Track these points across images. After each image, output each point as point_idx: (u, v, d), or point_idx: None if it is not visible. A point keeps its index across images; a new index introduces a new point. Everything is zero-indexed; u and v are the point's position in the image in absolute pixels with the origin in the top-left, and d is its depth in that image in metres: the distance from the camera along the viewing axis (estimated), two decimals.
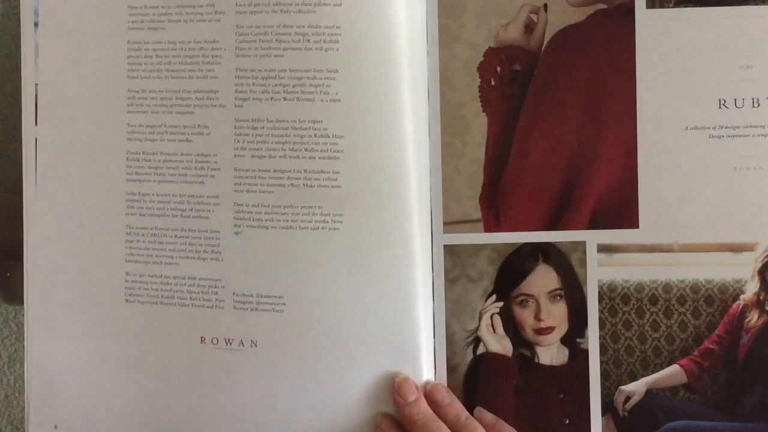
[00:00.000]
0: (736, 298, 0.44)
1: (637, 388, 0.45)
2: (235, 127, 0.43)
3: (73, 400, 0.44)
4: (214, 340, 0.44)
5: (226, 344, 0.44)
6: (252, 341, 0.43)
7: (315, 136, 0.42)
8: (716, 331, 0.45)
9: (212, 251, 0.43)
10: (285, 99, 0.42)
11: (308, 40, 0.41)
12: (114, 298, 0.44)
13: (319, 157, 0.42)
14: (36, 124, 0.45)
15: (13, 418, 0.49)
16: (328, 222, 0.42)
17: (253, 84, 0.42)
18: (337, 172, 0.42)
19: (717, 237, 0.44)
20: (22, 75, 0.44)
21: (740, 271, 0.44)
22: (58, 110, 0.44)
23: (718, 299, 0.45)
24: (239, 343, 0.43)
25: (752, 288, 0.44)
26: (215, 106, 0.43)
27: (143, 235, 0.44)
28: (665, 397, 0.45)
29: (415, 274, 0.43)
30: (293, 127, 0.42)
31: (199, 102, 0.43)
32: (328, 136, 0.42)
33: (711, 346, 0.45)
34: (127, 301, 0.44)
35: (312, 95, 0.42)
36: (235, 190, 0.43)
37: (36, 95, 0.45)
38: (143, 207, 0.44)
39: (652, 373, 0.45)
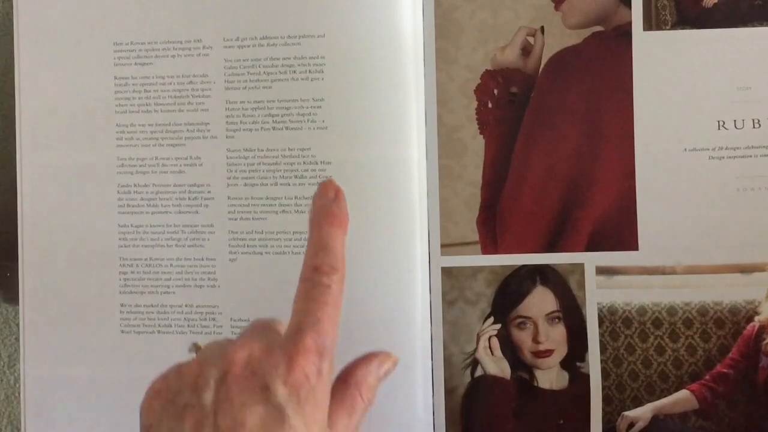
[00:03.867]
0: (750, 319, 0.44)
1: (642, 413, 0.44)
2: (227, 158, 0.44)
3: (69, 423, 0.45)
4: None
5: None
6: None
7: (304, 163, 0.43)
8: (730, 355, 0.44)
9: (209, 278, 0.44)
10: (274, 128, 0.43)
11: (294, 71, 0.43)
12: (109, 329, 0.45)
13: (309, 183, 0.43)
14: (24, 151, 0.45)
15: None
16: None
17: (243, 115, 0.44)
18: None
19: (724, 258, 0.44)
20: (16, 94, 0.45)
21: (752, 292, 0.43)
22: (46, 143, 0.45)
23: (729, 321, 0.44)
24: None
25: (767, 309, 0.43)
26: (207, 137, 0.44)
27: (137, 266, 0.45)
28: (674, 424, 0.44)
29: (413, 297, 0.43)
30: (283, 155, 0.43)
31: (191, 134, 0.44)
32: (317, 163, 0.43)
33: (725, 371, 0.44)
34: (122, 332, 0.45)
35: (300, 124, 0.43)
36: (229, 218, 0.44)
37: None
38: (137, 238, 0.45)
39: (659, 398, 0.44)
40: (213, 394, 0.30)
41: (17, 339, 0.47)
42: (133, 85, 0.45)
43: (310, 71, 0.43)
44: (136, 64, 0.45)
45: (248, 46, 0.44)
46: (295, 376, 0.29)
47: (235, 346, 0.31)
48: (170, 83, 0.44)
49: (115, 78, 0.45)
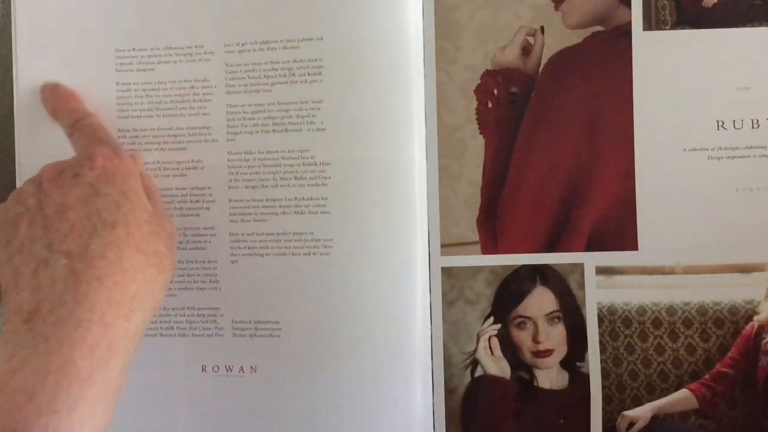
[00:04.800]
0: (749, 319, 0.44)
1: (642, 413, 0.44)
2: (228, 160, 0.44)
3: None
4: (215, 368, 0.44)
5: (227, 371, 0.44)
6: (252, 367, 0.44)
7: (303, 164, 0.43)
8: (729, 354, 0.44)
9: (210, 281, 0.44)
10: (274, 131, 0.44)
11: (293, 74, 0.43)
12: None
13: (308, 185, 0.43)
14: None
15: None
16: (318, 248, 0.43)
17: (244, 118, 0.44)
18: (326, 198, 0.43)
19: (722, 258, 0.44)
20: (14, 98, 0.45)
21: (751, 291, 0.44)
22: (46, 147, 0.45)
23: (728, 321, 0.44)
24: (239, 370, 0.44)
25: (766, 309, 0.44)
26: (208, 141, 0.44)
27: None
28: (674, 423, 0.44)
29: (413, 297, 0.43)
30: (283, 157, 0.44)
31: (192, 138, 0.44)
32: (316, 164, 0.43)
33: (724, 370, 0.44)
34: None
35: (299, 126, 0.43)
36: (231, 221, 0.44)
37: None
38: None
39: (659, 398, 0.44)
40: (35, 198, 0.35)
41: None
42: (135, 90, 0.45)
43: (308, 73, 0.43)
44: (138, 70, 0.45)
45: (248, 51, 0.44)
46: (98, 162, 0.36)
47: (40, 170, 0.37)
48: (172, 88, 0.44)
49: (117, 84, 0.45)
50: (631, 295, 0.44)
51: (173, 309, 0.45)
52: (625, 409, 0.44)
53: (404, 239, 0.43)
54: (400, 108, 0.43)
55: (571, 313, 0.44)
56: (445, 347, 0.45)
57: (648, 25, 0.44)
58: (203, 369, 0.44)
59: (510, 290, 0.44)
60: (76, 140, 0.41)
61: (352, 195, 0.43)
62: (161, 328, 0.45)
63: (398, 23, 0.43)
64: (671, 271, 0.44)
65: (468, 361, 0.45)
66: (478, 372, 0.45)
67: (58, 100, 0.43)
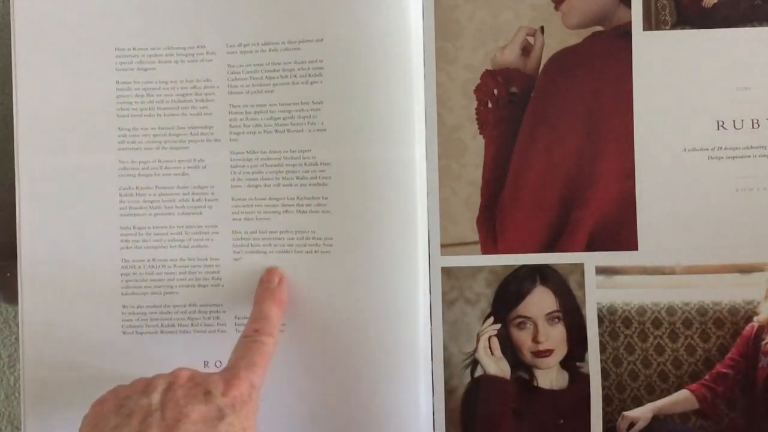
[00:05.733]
0: (748, 320, 0.44)
1: (642, 413, 0.44)
2: (231, 160, 0.45)
3: (69, 423, 0.45)
4: (218, 363, 0.44)
5: None
6: None
7: (305, 164, 0.44)
8: (729, 355, 0.44)
9: (212, 278, 0.45)
10: (276, 131, 0.44)
11: (295, 75, 0.44)
12: (110, 330, 0.45)
13: (309, 184, 0.44)
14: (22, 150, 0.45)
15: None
16: (320, 246, 0.44)
17: (246, 118, 0.44)
18: (326, 198, 0.44)
19: (722, 258, 0.44)
20: (13, 97, 0.45)
21: (750, 292, 0.44)
22: (44, 145, 0.45)
23: (728, 321, 0.44)
24: None
25: (766, 309, 0.44)
26: (210, 140, 0.45)
27: (140, 267, 0.45)
28: (674, 424, 0.44)
29: (413, 297, 0.43)
30: (285, 157, 0.44)
31: (194, 137, 0.45)
32: (317, 164, 0.44)
33: (724, 371, 0.44)
34: (124, 333, 0.45)
35: (300, 126, 0.44)
36: (233, 219, 0.45)
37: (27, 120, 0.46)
38: (139, 240, 0.45)
39: (659, 398, 0.44)
40: (160, 396, 0.35)
41: (17, 339, 0.48)
42: (135, 89, 0.45)
43: (309, 75, 0.44)
44: (138, 69, 0.45)
45: (251, 52, 0.44)
46: (232, 393, 0.36)
47: (179, 369, 0.37)
48: (173, 88, 0.45)
49: (117, 83, 0.45)
50: (631, 295, 0.44)
51: (174, 307, 0.45)
52: (626, 410, 0.44)
53: (404, 239, 0.43)
54: (400, 108, 0.43)
55: (571, 313, 0.44)
56: (445, 347, 0.45)
57: (648, 25, 0.44)
58: (205, 364, 0.45)
59: (510, 290, 0.44)
60: (237, 347, 0.40)
61: (352, 194, 0.43)
62: (163, 325, 0.45)
63: (398, 23, 0.43)
64: (671, 271, 0.44)
65: (468, 361, 0.45)
66: (478, 372, 0.45)
67: (268, 294, 0.42)
